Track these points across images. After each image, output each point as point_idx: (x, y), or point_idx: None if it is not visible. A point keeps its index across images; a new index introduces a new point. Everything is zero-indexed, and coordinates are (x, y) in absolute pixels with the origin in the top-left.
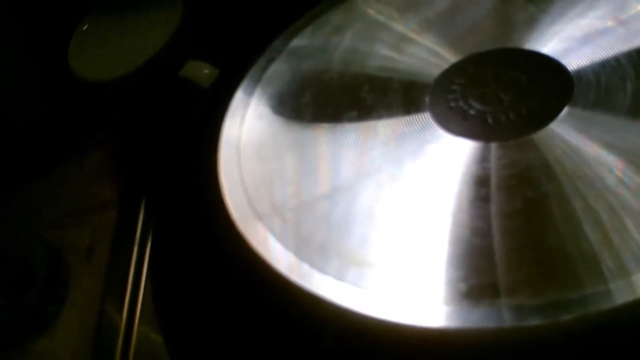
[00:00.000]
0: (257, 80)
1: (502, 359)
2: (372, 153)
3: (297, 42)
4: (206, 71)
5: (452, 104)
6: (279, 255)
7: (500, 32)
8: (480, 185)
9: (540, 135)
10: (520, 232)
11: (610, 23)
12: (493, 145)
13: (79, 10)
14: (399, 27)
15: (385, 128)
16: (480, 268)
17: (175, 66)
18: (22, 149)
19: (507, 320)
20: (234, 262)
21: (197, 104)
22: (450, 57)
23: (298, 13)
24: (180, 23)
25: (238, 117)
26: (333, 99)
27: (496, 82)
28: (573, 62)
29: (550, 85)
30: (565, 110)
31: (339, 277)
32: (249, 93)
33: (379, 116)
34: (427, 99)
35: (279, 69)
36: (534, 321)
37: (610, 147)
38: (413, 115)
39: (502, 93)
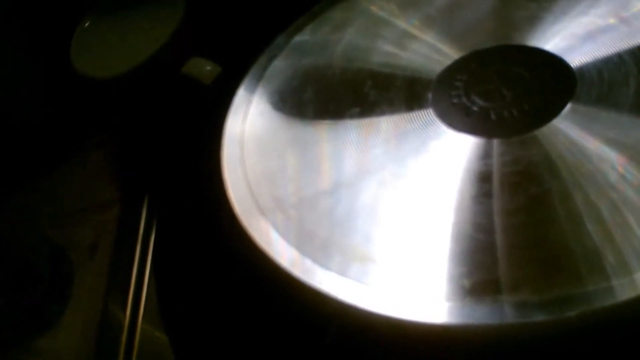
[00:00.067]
0: (259, 77)
1: (505, 355)
2: (375, 149)
3: (299, 38)
4: (208, 68)
5: (455, 101)
6: (282, 251)
7: (502, 29)
8: (483, 181)
9: (543, 131)
10: (523, 229)
11: (612, 21)
12: (496, 142)
13: (79, 10)
14: (402, 23)
15: (387, 124)
16: (484, 264)
17: (177, 63)
18: (23, 148)
19: (511, 316)
20: (238, 258)
21: (199, 100)
22: (452, 54)
23: (300, 10)
24: (182, 20)
25: (241, 114)
26: (335, 95)
27: (499, 79)
28: (576, 59)
29: (553, 82)
30: (568, 106)
31: (342, 272)
32: (252, 89)
33: (382, 112)
34: (429, 96)
35: (281, 66)
36: (538, 317)
37: (612, 143)
38: (416, 112)
39: (505, 89)
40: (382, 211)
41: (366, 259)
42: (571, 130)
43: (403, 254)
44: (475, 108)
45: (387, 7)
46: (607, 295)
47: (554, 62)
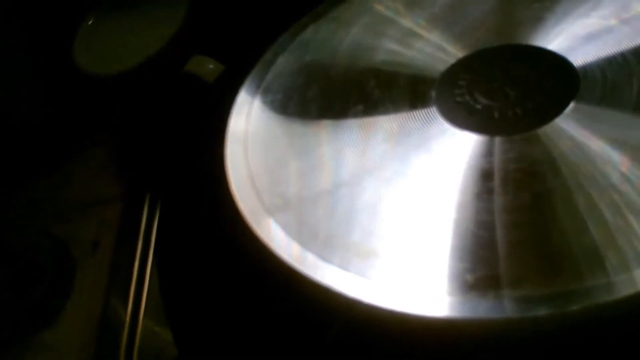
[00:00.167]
0: (263, 75)
1: (508, 349)
2: (379, 147)
3: (303, 37)
4: (211, 66)
5: (459, 99)
6: (287, 247)
7: (506, 28)
8: (486, 179)
9: (546, 130)
10: (525, 226)
11: (614, 22)
12: (498, 140)
13: (79, 9)
14: (406, 22)
15: (391, 122)
16: (486, 260)
17: (180, 61)
18: (25, 147)
19: (513, 310)
20: (242, 254)
21: (202, 99)
22: (456, 53)
23: (304, 8)
24: (185, 18)
25: (244, 112)
26: (339, 93)
27: (502, 78)
28: (579, 59)
29: (556, 81)
30: (571, 106)
31: (347, 267)
32: (255, 88)
33: (385, 111)
34: (433, 94)
35: (285, 64)
36: (539, 312)
37: (615, 143)
38: (419, 110)
39: (509, 88)
40: (385, 208)
41: (370, 254)
42: (574, 130)
43: (406, 250)
44: (478, 106)
45: (391, 5)
46: (607, 291)
47: (557, 62)
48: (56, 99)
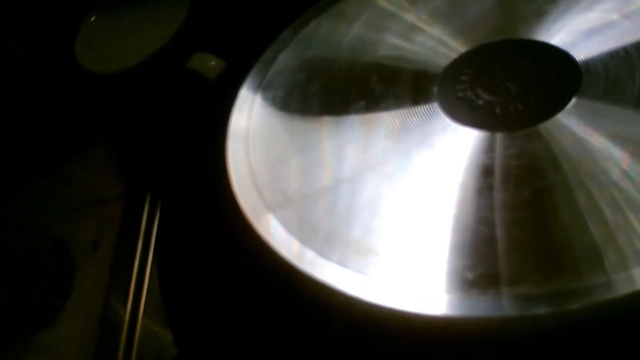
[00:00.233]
0: (264, 71)
1: (507, 347)
2: (380, 143)
3: (305, 32)
4: (212, 63)
5: (460, 94)
6: (288, 245)
7: (508, 23)
8: (486, 175)
9: (547, 125)
10: (525, 222)
11: (616, 16)
12: (500, 135)
13: (80, 8)
14: (408, 17)
15: (393, 118)
16: (486, 257)
17: (181, 58)
18: (25, 146)
19: (513, 308)
20: (242, 251)
21: (204, 95)
22: (458, 48)
23: (306, 4)
24: (187, 15)
25: (246, 109)
26: (341, 89)
27: (504, 73)
28: (581, 54)
29: (558, 76)
30: (573, 101)
31: (346, 265)
32: (257, 84)
33: (387, 106)
34: (435, 89)
35: (287, 60)
36: (539, 310)
37: (617, 139)
38: (421, 105)
39: (511, 83)
40: (386, 204)
41: (370, 251)
42: (576, 125)
43: (406, 247)
44: (480, 102)
45: (394, 0)
46: (606, 290)
47: (560, 57)
48: (57, 98)
